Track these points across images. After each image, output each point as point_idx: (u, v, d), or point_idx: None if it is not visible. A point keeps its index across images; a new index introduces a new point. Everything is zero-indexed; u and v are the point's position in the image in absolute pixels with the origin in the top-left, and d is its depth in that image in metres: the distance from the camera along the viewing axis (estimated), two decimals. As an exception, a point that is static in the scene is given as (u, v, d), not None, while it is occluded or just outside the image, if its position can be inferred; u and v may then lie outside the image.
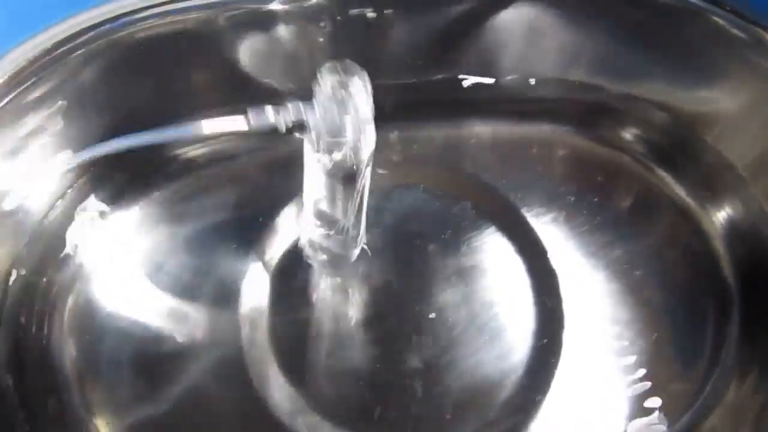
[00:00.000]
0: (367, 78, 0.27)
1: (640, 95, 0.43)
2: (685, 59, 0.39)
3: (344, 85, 0.27)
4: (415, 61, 0.42)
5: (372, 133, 0.28)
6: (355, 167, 0.29)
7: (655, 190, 0.44)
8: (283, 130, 0.27)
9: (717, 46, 0.37)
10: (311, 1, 0.37)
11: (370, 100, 0.27)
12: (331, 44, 0.40)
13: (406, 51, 0.41)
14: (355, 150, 0.28)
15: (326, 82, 0.27)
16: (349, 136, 0.28)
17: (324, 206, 0.34)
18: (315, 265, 0.40)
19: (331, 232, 0.35)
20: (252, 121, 0.27)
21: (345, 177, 0.30)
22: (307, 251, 0.38)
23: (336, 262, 0.39)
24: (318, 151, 0.29)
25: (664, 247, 0.42)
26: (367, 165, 0.30)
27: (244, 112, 0.28)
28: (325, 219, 0.35)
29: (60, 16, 0.33)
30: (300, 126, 0.28)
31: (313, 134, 0.28)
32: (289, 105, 0.27)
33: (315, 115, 0.27)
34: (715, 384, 0.39)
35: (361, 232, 0.37)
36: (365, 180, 0.31)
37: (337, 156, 0.28)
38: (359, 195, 0.32)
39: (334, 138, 0.28)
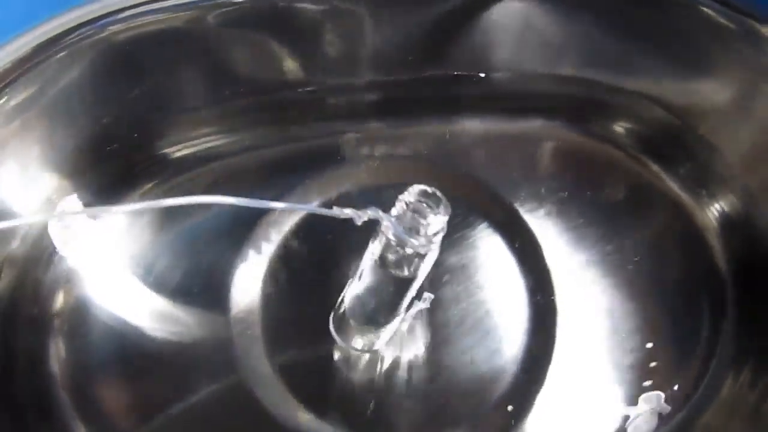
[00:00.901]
0: (449, 211, 0.29)
1: (631, 88, 0.42)
2: (676, 51, 0.39)
3: (425, 211, 0.29)
4: (406, 57, 0.42)
5: (432, 258, 0.31)
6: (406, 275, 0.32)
7: (647, 184, 0.44)
8: (359, 223, 0.29)
9: (707, 38, 0.37)
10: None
11: (443, 231, 0.29)
12: (319, 41, 0.40)
13: (396, 47, 0.41)
14: (412, 264, 0.31)
15: (410, 200, 0.29)
16: (411, 251, 0.30)
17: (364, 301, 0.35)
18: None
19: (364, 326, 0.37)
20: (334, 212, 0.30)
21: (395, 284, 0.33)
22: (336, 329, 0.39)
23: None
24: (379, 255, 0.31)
25: (658, 240, 0.42)
26: (417, 283, 0.32)
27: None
28: (360, 313, 0.36)
29: (41, 17, 0.33)
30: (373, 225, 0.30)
31: (382, 238, 0.30)
32: (369, 210, 0.29)
33: (389, 223, 0.29)
34: (711, 378, 0.38)
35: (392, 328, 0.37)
36: (411, 291, 0.33)
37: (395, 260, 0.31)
38: (402, 301, 0.34)
39: (398, 248, 0.30)
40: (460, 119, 0.45)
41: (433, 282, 0.40)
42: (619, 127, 0.44)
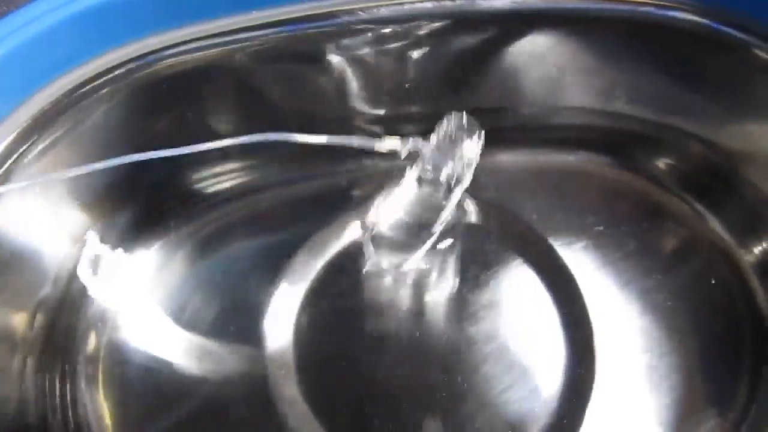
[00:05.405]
0: (482, 135, 0.31)
1: (676, 126, 0.42)
2: (724, 91, 0.38)
3: (460, 135, 0.31)
4: (439, 88, 0.41)
5: (468, 178, 0.33)
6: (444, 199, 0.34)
7: (688, 221, 0.43)
8: (402, 157, 0.32)
9: (758, 80, 0.36)
10: (326, 35, 0.36)
11: (478, 153, 0.32)
12: (346, 78, 0.39)
13: (430, 79, 0.40)
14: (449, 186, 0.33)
15: (447, 127, 0.32)
16: (448, 172, 0.32)
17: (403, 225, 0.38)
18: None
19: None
20: (382, 145, 0.32)
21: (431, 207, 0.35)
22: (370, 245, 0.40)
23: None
24: (420, 181, 0.34)
25: (698, 280, 0.42)
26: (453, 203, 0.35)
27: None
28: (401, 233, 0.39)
29: (82, 58, 0.32)
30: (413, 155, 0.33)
31: (422, 164, 0.33)
32: (410, 139, 0.32)
33: (429, 148, 0.32)
34: (750, 424, 0.38)
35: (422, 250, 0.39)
36: (447, 213, 0.36)
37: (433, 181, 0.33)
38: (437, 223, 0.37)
39: (436, 171, 0.32)
40: (496, 151, 0.44)
41: (469, 318, 0.40)
42: (662, 164, 0.44)
